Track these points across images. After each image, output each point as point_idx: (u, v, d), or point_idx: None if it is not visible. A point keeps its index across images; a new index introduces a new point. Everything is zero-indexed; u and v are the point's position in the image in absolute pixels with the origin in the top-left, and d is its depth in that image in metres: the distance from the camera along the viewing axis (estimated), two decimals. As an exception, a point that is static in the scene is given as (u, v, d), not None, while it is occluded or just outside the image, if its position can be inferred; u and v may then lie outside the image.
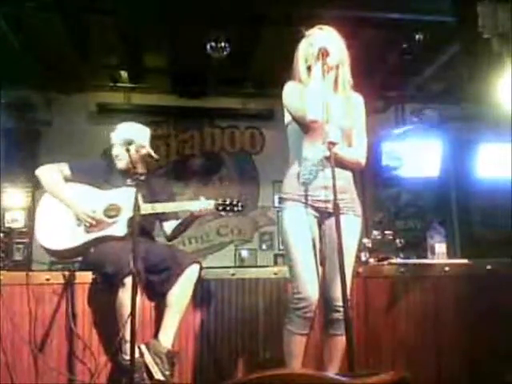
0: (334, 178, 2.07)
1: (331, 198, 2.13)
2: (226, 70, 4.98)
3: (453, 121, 5.86)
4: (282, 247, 2.20)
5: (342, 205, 2.20)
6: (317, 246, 2.28)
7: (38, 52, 4.69)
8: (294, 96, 2.33)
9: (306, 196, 2.29)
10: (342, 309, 2.14)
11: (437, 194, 6.12)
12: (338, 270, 2.11)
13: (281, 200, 2.39)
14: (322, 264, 2.30)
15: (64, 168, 2.86)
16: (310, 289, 2.18)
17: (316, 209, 2.30)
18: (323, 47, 2.22)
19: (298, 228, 2.27)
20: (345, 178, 2.31)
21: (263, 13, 4.13)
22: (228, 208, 2.79)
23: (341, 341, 2.20)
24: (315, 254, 2.24)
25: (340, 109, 2.31)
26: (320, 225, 2.33)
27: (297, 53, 2.41)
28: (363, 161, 2.38)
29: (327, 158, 2.16)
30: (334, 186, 2.06)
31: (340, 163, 2.23)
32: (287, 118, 2.42)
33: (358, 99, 2.45)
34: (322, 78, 2.20)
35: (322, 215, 2.31)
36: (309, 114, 2.21)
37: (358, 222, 2.35)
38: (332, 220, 2.20)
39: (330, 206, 2.21)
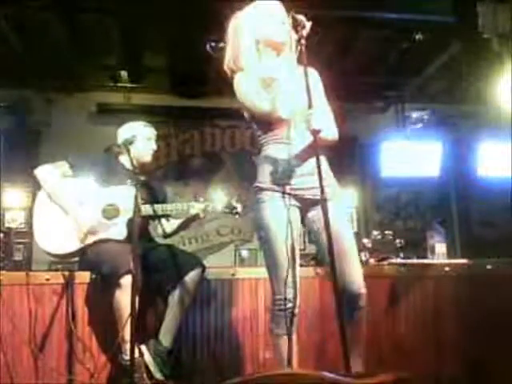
0: (319, 168, 1.89)
1: (312, 184, 2.00)
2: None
3: (453, 121, 5.86)
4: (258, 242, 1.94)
5: (328, 190, 2.05)
6: (300, 240, 2.11)
7: (37, 52, 4.69)
8: (255, 95, 2.07)
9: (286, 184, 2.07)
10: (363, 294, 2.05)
11: (437, 194, 6.12)
12: (347, 256, 2.03)
13: (257, 190, 2.11)
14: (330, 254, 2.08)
15: (63, 166, 2.81)
16: (292, 289, 2.02)
17: (297, 198, 2.09)
18: (299, 18, 1.92)
19: (280, 224, 2.02)
20: (323, 162, 2.06)
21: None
22: (227, 211, 2.84)
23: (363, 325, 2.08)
24: (294, 250, 2.03)
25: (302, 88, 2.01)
26: (304, 216, 2.14)
27: (236, 30, 2.14)
28: (337, 136, 2.16)
29: (313, 146, 1.96)
30: (320, 176, 1.89)
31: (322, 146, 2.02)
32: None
33: (315, 73, 2.21)
34: (293, 63, 1.94)
35: (305, 204, 2.11)
36: (280, 112, 1.99)
37: (344, 207, 2.11)
38: (320, 209, 2.03)
39: (312, 193, 2.05)
